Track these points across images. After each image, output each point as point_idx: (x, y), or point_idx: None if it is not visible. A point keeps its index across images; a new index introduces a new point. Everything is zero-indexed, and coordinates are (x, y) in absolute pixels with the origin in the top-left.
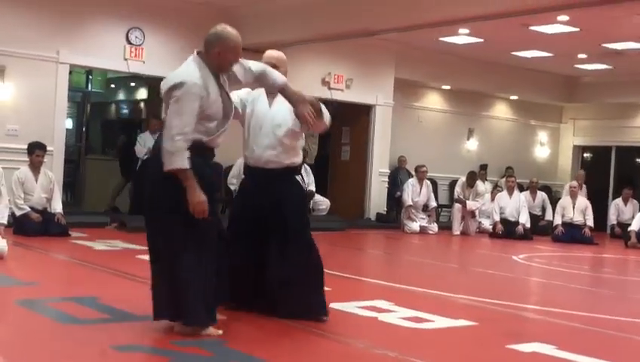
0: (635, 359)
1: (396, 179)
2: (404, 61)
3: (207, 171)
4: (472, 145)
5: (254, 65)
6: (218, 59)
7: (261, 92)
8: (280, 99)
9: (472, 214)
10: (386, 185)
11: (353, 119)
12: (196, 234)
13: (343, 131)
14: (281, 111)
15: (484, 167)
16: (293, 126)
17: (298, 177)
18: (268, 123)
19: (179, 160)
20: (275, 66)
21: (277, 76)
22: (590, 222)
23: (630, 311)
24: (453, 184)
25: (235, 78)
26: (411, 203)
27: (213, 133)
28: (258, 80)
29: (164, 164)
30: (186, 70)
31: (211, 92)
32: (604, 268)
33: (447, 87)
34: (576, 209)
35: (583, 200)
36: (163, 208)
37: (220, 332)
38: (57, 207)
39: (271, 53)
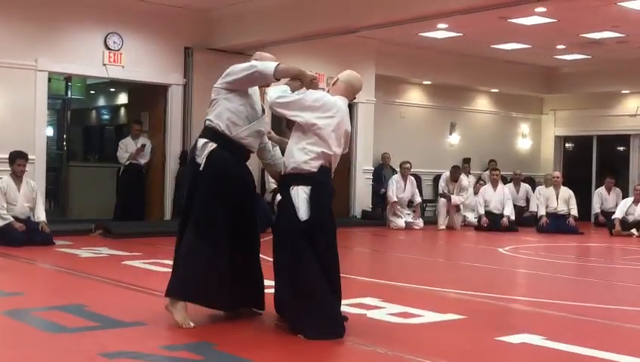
0: (624, 347)
1: (380, 175)
2: (384, 58)
3: (237, 168)
4: (454, 139)
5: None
6: None
7: None
8: None
9: (457, 208)
10: (371, 182)
11: None
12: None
13: None
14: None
15: (467, 161)
16: None
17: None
18: None
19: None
20: None
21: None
22: (574, 212)
23: (618, 299)
24: (437, 179)
25: None
26: (396, 199)
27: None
28: None
29: (266, 76)
30: None
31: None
32: (590, 257)
33: (428, 82)
34: (560, 199)
35: (566, 190)
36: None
37: (192, 325)
38: (41, 215)
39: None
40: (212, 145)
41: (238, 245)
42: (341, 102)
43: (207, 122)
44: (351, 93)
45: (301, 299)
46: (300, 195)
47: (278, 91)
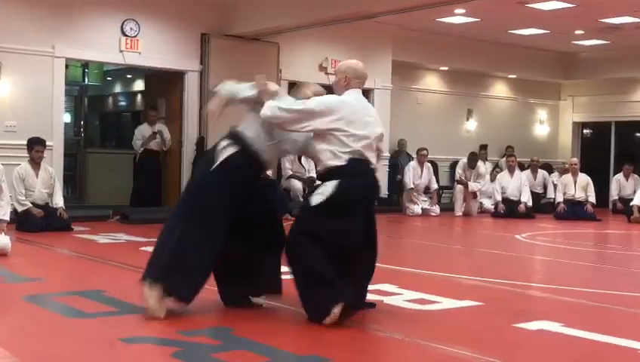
0: None
1: (397, 162)
2: (401, 43)
3: (247, 171)
4: (471, 125)
5: None
6: None
7: None
8: None
9: (474, 195)
10: (387, 169)
11: None
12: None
13: None
14: None
15: (484, 147)
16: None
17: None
18: None
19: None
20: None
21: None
22: (592, 199)
23: (636, 286)
24: (453, 165)
25: None
26: (413, 186)
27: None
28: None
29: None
30: None
31: None
32: (608, 244)
33: (445, 68)
34: (578, 186)
35: (584, 177)
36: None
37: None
38: (59, 201)
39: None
40: (232, 150)
41: (236, 245)
42: (348, 97)
43: (234, 128)
44: (356, 79)
45: (300, 277)
46: (326, 185)
47: (278, 102)
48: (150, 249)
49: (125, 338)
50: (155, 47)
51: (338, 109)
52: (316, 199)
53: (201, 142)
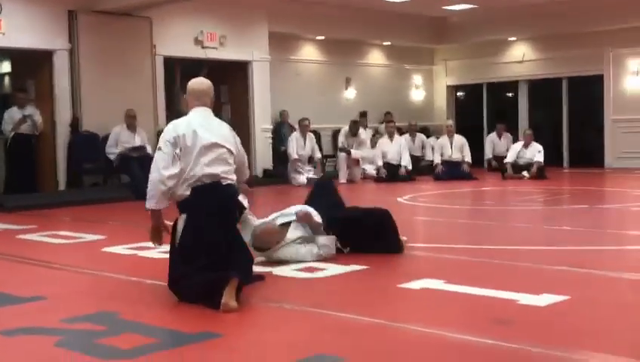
0: (520, 284)
1: (280, 133)
2: (276, 14)
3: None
4: (350, 93)
5: None
6: None
7: None
8: None
9: (357, 162)
10: (270, 141)
11: (230, 77)
12: None
13: (221, 90)
14: None
15: (363, 115)
16: None
17: None
18: None
19: None
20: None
21: None
22: (468, 158)
23: (512, 240)
24: (335, 134)
25: None
26: (297, 156)
27: None
28: None
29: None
30: None
31: None
32: (484, 201)
33: (322, 38)
34: (454, 147)
35: (460, 138)
36: None
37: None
38: None
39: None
40: None
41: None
42: (182, 120)
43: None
44: (199, 98)
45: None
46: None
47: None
48: (28, 236)
49: (5, 330)
50: (20, 27)
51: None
52: None
53: (75, 122)
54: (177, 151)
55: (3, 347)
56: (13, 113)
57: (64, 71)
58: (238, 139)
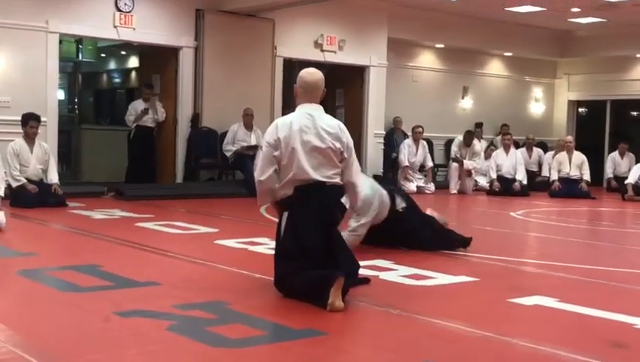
0: (635, 308)
1: (392, 140)
2: (396, 20)
3: None
4: (466, 103)
5: None
6: None
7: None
8: None
9: (469, 173)
10: (382, 147)
11: (347, 81)
12: None
13: (337, 94)
14: None
15: (479, 125)
16: None
17: None
18: None
19: None
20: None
21: None
22: (587, 177)
23: (629, 262)
24: (448, 143)
25: None
26: (408, 163)
27: None
28: None
29: None
30: None
31: None
32: (602, 221)
33: (441, 46)
34: (573, 164)
35: (579, 155)
36: None
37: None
38: (54, 177)
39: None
40: None
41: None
42: (285, 120)
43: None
44: (308, 91)
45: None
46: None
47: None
48: (146, 225)
49: (120, 311)
50: (150, 23)
51: (273, 135)
52: None
53: (195, 118)
54: (276, 153)
55: (118, 327)
56: (137, 105)
57: (189, 67)
58: (349, 139)
